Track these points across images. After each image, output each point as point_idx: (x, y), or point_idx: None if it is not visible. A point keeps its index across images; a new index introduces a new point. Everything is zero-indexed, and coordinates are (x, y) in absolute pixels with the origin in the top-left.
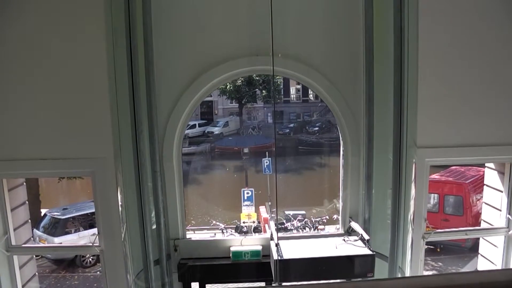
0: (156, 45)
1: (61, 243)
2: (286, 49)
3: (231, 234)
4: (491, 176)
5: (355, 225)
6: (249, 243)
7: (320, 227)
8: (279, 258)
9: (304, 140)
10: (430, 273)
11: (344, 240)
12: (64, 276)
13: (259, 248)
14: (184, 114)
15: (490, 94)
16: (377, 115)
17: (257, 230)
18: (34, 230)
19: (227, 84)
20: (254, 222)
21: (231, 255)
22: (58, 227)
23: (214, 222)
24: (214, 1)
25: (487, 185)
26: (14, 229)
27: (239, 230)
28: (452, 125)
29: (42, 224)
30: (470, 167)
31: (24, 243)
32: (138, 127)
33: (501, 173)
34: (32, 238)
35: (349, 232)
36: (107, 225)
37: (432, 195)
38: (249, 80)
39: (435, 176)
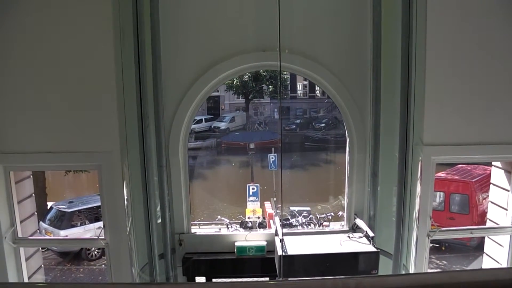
0: (163, 40)
1: (67, 236)
2: (293, 45)
3: (236, 229)
4: (497, 174)
5: (360, 222)
6: (253, 239)
7: (325, 223)
8: (283, 253)
9: (310, 136)
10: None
11: (348, 237)
12: (69, 268)
13: (264, 243)
14: (191, 109)
15: (498, 92)
16: (384, 112)
17: (262, 225)
18: (40, 222)
19: (234, 79)
20: (259, 217)
21: (235, 250)
22: (64, 220)
23: (219, 217)
24: None
25: (494, 184)
26: (21, 222)
27: (244, 225)
28: (459, 123)
29: (48, 217)
30: (476, 165)
31: (31, 236)
32: (144, 121)
33: (508, 172)
34: (38, 231)
35: (354, 229)
36: (113, 218)
37: (438, 193)
38: (256, 76)
39: (441, 174)
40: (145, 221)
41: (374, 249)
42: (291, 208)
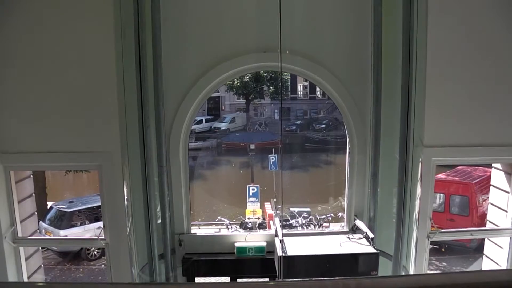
0: (164, 40)
1: (66, 235)
2: (294, 45)
3: (236, 230)
4: (498, 176)
5: (360, 223)
6: (253, 239)
7: (325, 224)
8: (283, 254)
9: (311, 137)
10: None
11: (348, 238)
12: (69, 268)
13: (264, 244)
14: (191, 109)
15: (498, 94)
16: (384, 113)
17: (262, 226)
18: (40, 222)
19: (235, 80)
20: (259, 218)
21: (235, 250)
22: (64, 220)
23: (219, 217)
24: None
25: (494, 186)
26: (21, 221)
27: (244, 226)
28: (459, 125)
29: (48, 217)
30: (477, 167)
31: (31, 235)
32: (145, 121)
33: (508, 173)
34: (38, 230)
35: (354, 230)
36: (113, 218)
37: (438, 194)
38: (256, 76)
39: (442, 175)
40: (145, 221)
41: (374, 250)
42: (291, 209)
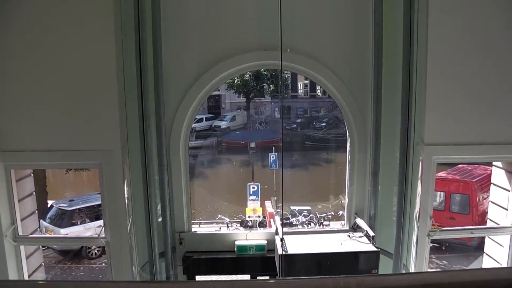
0: (164, 39)
1: (67, 234)
2: (295, 44)
3: (236, 228)
4: (498, 175)
5: (360, 222)
6: (254, 238)
7: (325, 222)
8: (283, 253)
9: (311, 136)
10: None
11: (349, 236)
12: (70, 267)
13: (264, 242)
14: (192, 108)
15: (499, 92)
16: (385, 112)
17: (262, 224)
18: (41, 221)
19: (235, 78)
20: (259, 216)
21: (236, 249)
22: (64, 219)
23: (219, 216)
24: None
25: (494, 184)
26: (21, 220)
27: (244, 224)
28: (460, 123)
29: (48, 215)
30: (477, 165)
31: (31, 234)
32: (145, 120)
33: (509, 172)
34: (38, 229)
35: (354, 228)
36: (113, 217)
37: (439, 193)
38: (257, 75)
39: (442, 174)
40: (146, 220)
41: (375, 249)
42: (292, 207)
